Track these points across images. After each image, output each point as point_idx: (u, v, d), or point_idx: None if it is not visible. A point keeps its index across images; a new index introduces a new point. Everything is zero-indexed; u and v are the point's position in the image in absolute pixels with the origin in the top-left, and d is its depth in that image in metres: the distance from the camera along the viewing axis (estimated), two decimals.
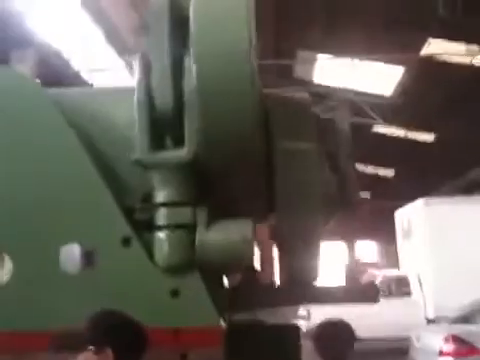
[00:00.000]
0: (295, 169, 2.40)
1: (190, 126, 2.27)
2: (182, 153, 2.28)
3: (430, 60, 11.83)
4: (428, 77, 12.32)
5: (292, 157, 2.40)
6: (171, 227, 2.29)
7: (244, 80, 2.05)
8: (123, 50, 14.63)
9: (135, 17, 13.14)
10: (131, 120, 2.46)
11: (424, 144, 16.56)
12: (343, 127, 2.64)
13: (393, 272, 10.40)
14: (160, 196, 2.34)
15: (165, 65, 2.25)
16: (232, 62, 2.05)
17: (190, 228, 2.29)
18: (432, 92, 13.08)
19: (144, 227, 2.36)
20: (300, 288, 2.64)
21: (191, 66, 2.20)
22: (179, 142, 2.30)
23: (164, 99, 2.25)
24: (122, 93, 2.69)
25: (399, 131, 16.56)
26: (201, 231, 2.27)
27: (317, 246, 2.53)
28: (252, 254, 2.25)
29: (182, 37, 2.25)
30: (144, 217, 2.39)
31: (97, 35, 13.69)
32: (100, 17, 13.24)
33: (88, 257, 2.35)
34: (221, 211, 2.32)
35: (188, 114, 2.26)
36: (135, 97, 2.33)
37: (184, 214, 2.29)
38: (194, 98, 2.20)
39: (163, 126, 2.32)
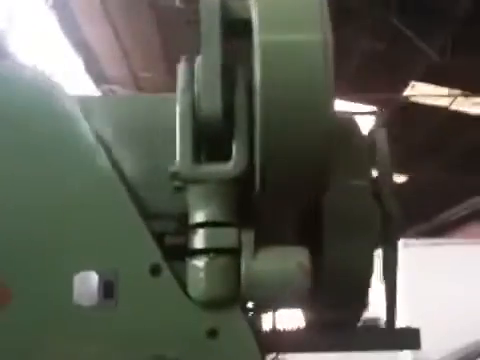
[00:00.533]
0: (345, 206, 2.12)
1: (239, 139, 1.95)
2: (229, 167, 1.96)
3: (409, 102, 11.98)
4: (406, 119, 12.46)
5: (345, 193, 2.12)
6: (211, 252, 1.93)
7: (320, 94, 1.74)
8: (101, 80, 14.39)
9: (117, 47, 12.96)
10: (163, 130, 2.15)
11: (396, 185, 16.67)
12: (385, 154, 2.38)
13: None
14: (199, 216, 1.98)
15: (215, 73, 1.93)
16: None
17: (234, 254, 1.94)
18: (409, 134, 13.24)
19: (176, 254, 2.01)
20: (340, 331, 2.33)
21: (243, 75, 1.92)
22: (222, 157, 1.99)
23: (212, 109, 1.92)
24: (152, 102, 2.38)
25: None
26: (247, 257, 1.92)
27: (367, 285, 2.23)
28: (309, 285, 1.91)
29: (232, 43, 1.96)
30: (177, 242, 2.05)
31: (77, 63, 13.47)
32: (81, 46, 13.05)
33: (108, 288, 1.98)
34: (263, 238, 2.00)
35: (238, 127, 1.95)
36: (178, 104, 2.01)
37: (228, 236, 1.93)
38: (247, 109, 1.91)
39: (206, 138, 2.00)
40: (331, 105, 1.74)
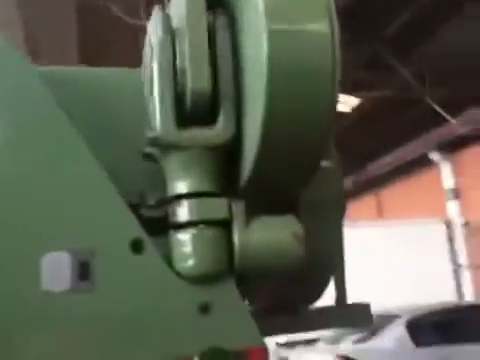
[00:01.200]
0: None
1: (226, 106, 1.82)
2: (216, 132, 1.83)
3: None
4: None
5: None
6: (199, 224, 1.79)
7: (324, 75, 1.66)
8: None
9: None
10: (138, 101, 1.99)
11: None
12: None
13: None
14: (182, 186, 1.83)
15: (203, 49, 1.80)
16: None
17: (224, 225, 1.81)
18: None
19: (156, 228, 1.84)
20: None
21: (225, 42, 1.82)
22: (201, 122, 1.86)
23: (200, 87, 1.78)
24: (125, 75, 2.19)
25: None
26: (241, 228, 1.79)
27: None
28: (303, 254, 1.82)
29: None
30: (156, 214, 1.87)
31: None
32: None
33: (82, 269, 1.76)
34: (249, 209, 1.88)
35: (224, 94, 1.83)
36: (156, 60, 1.84)
37: (218, 207, 1.79)
38: (233, 77, 1.81)
39: (190, 105, 1.85)
40: (336, 91, 1.67)
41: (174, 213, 1.83)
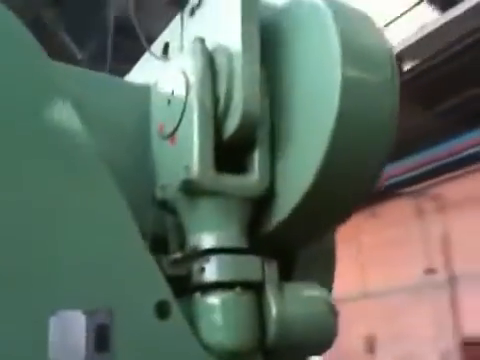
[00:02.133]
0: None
1: (262, 152, 1.66)
2: (253, 181, 1.63)
3: None
4: None
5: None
6: (232, 287, 1.51)
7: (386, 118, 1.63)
8: None
9: None
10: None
11: None
12: None
13: None
14: (211, 239, 1.54)
15: (254, 71, 1.64)
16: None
17: (257, 290, 1.57)
18: None
19: (176, 288, 1.50)
20: None
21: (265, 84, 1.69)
22: (236, 170, 1.66)
23: (251, 101, 1.59)
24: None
25: None
26: (275, 295, 1.55)
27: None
28: (337, 333, 1.67)
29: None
30: (181, 272, 1.53)
31: None
32: None
33: (101, 336, 1.31)
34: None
35: (261, 138, 1.67)
36: (196, 97, 1.60)
37: (252, 266, 1.53)
38: (269, 120, 1.68)
39: (235, 130, 1.63)
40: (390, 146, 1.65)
41: (200, 271, 1.54)
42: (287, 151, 1.65)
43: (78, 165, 1.41)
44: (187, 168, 1.56)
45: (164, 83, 1.82)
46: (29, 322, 1.23)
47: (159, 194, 1.65)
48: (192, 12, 1.89)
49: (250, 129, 1.62)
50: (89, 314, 1.31)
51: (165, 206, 1.64)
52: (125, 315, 1.36)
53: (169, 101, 1.75)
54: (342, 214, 1.71)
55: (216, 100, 1.62)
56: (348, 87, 1.53)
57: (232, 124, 1.60)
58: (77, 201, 1.38)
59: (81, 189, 1.39)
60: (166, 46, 2.05)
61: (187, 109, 1.64)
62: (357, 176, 1.62)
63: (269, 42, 1.72)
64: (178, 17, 1.99)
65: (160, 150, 1.76)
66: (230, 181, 1.61)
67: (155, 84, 1.88)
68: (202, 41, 1.69)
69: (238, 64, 1.61)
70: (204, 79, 1.62)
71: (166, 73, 1.82)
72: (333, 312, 1.65)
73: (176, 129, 1.67)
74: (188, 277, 1.54)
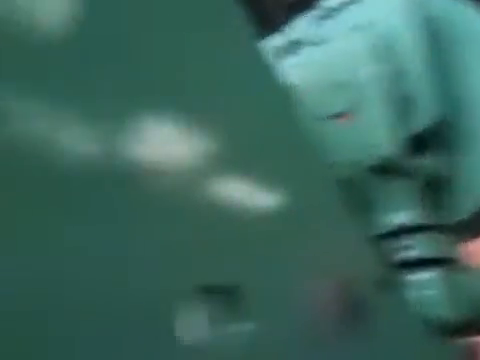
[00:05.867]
0: None
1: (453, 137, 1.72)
2: (439, 164, 1.68)
3: None
4: None
5: None
6: (443, 263, 1.55)
7: None
8: None
9: None
10: None
11: None
12: None
13: None
14: (414, 217, 1.59)
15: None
16: None
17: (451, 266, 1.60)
18: None
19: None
20: None
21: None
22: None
23: (429, 108, 1.67)
24: None
25: None
26: (473, 271, 1.61)
27: None
28: None
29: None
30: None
31: None
32: None
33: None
34: None
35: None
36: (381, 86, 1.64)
37: (451, 245, 1.60)
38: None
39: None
40: None
41: (407, 248, 1.55)
42: (471, 148, 1.72)
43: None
44: (378, 147, 1.59)
45: (330, 65, 1.83)
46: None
47: (346, 172, 1.65)
48: None
49: (434, 129, 1.67)
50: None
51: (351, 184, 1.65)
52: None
53: (342, 82, 1.77)
54: None
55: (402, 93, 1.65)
56: None
57: (420, 123, 1.65)
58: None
59: None
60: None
61: (371, 90, 1.66)
62: None
63: (445, 38, 1.80)
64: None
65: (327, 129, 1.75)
66: (419, 162, 1.65)
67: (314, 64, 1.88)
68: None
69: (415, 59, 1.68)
70: (384, 63, 1.66)
71: (331, 53, 1.83)
72: None
73: (354, 109, 1.69)
74: (394, 253, 1.56)
